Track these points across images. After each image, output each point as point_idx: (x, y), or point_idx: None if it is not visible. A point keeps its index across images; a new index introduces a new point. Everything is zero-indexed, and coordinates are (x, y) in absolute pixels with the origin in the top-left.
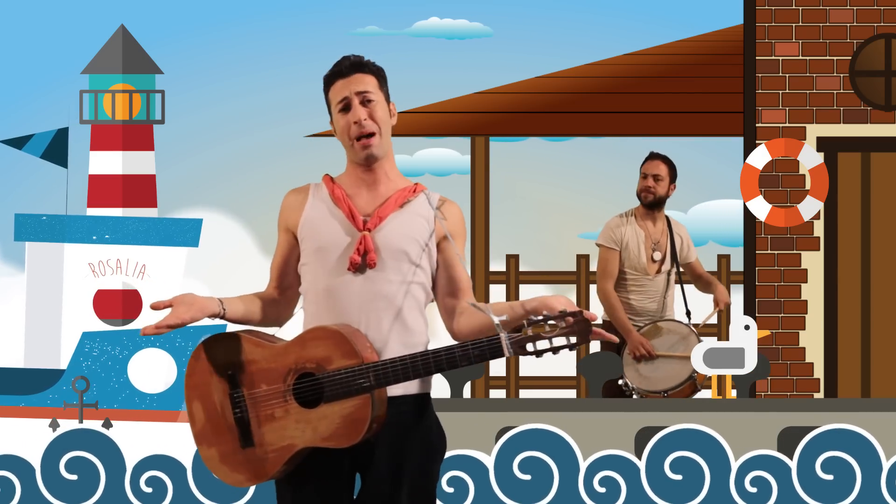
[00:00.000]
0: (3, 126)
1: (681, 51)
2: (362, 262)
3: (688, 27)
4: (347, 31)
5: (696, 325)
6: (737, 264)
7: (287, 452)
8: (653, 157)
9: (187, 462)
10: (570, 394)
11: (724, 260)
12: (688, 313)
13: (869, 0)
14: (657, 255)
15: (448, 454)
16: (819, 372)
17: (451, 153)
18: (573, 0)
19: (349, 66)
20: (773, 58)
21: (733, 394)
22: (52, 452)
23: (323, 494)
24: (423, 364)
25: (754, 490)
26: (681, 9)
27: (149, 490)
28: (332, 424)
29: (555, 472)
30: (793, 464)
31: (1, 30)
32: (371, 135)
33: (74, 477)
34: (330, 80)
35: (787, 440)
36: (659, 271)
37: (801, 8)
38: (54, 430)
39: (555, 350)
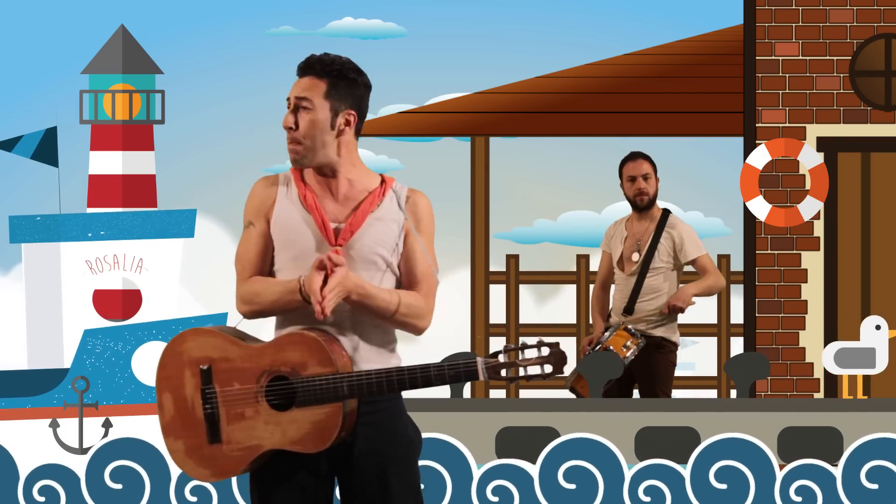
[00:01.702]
0: (4, 126)
1: (681, 51)
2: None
3: (688, 27)
4: (262, 30)
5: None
6: (737, 264)
7: (253, 452)
8: (634, 156)
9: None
10: (571, 394)
11: (723, 260)
12: (626, 310)
13: (869, 0)
14: (635, 256)
15: (492, 463)
16: (819, 372)
17: (366, 153)
18: (573, 0)
19: (303, 67)
20: (773, 58)
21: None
22: (98, 462)
23: (299, 496)
24: (398, 380)
25: (799, 499)
26: (681, 9)
27: (193, 499)
28: (301, 429)
29: (600, 482)
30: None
31: (1, 30)
32: (295, 142)
33: (119, 486)
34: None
35: (787, 440)
36: (633, 270)
37: (801, 8)
38: (54, 429)
39: (528, 378)
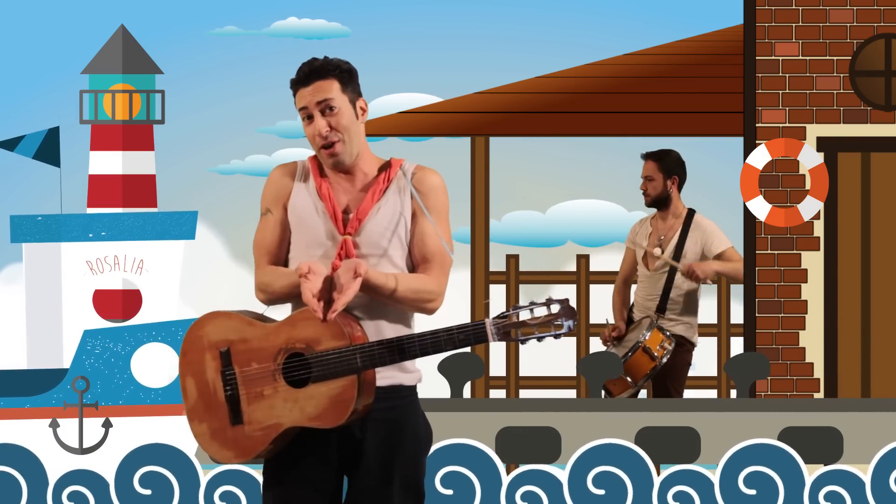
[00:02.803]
0: (4, 126)
1: (681, 51)
2: None
3: (688, 27)
4: (206, 31)
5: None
6: None
7: (274, 431)
8: (642, 157)
9: (259, 475)
10: (571, 394)
11: None
12: (660, 309)
13: (869, 0)
14: (657, 251)
15: (522, 469)
16: (819, 372)
17: (310, 153)
18: (573, 0)
19: (307, 74)
20: (773, 58)
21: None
22: (127, 467)
23: (311, 493)
24: (408, 347)
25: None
26: (681, 9)
27: None
28: (319, 405)
29: (629, 487)
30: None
31: (1, 30)
32: (334, 143)
33: (149, 492)
34: (293, 88)
35: (787, 440)
36: (656, 267)
37: (801, 8)
38: (54, 429)
39: (539, 338)
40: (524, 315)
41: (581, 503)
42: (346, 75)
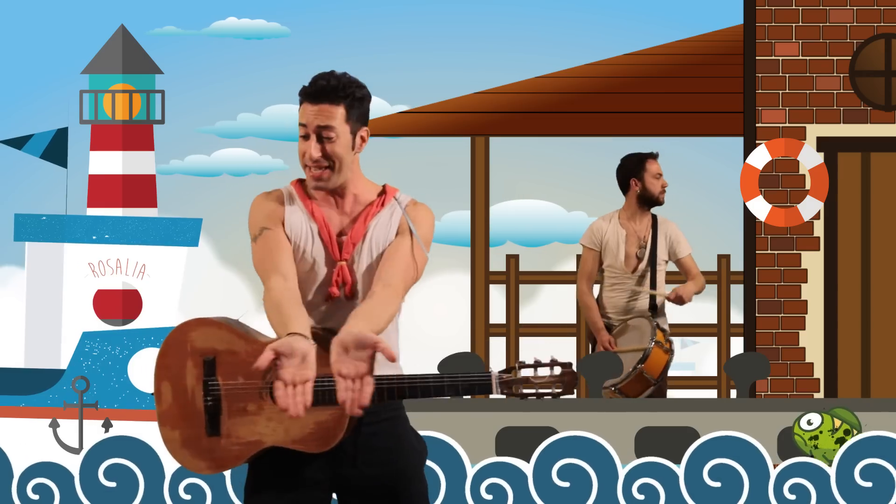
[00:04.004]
0: (4, 126)
1: (681, 51)
2: (341, 293)
3: (688, 27)
4: (145, 30)
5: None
6: (737, 264)
7: (254, 448)
8: (656, 155)
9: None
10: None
11: (724, 260)
12: (652, 307)
13: (869, 0)
14: (640, 253)
15: (486, 461)
16: (819, 372)
17: (250, 153)
18: (573, 0)
19: (318, 93)
20: (773, 58)
21: None
22: (91, 460)
23: None
24: (409, 387)
25: (793, 497)
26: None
27: (188, 497)
28: (304, 429)
29: (594, 480)
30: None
31: (1, 30)
32: (321, 171)
33: (113, 484)
34: (301, 99)
35: (788, 440)
36: (636, 269)
37: (801, 8)
38: (54, 429)
39: (539, 396)
40: (528, 372)
41: (546, 496)
42: (355, 103)
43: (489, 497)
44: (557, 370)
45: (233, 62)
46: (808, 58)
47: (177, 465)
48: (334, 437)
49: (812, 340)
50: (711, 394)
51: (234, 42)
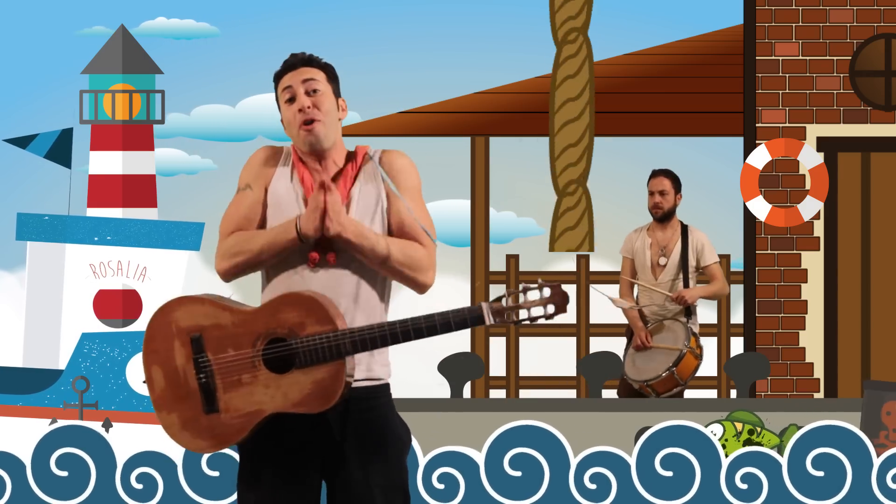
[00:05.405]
0: (4, 125)
1: (681, 51)
2: (321, 258)
3: (688, 27)
4: (73, 31)
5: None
6: (737, 264)
7: (255, 418)
8: (656, 174)
9: (178, 459)
10: (570, 394)
11: (724, 260)
12: (687, 312)
13: (869, 0)
14: (662, 261)
15: (438, 450)
16: (819, 372)
17: (179, 153)
18: None
19: (297, 61)
20: (773, 58)
21: None
22: (43, 449)
23: (287, 495)
24: (401, 330)
25: (745, 486)
26: (681, 9)
27: (139, 486)
28: (303, 390)
29: (545, 469)
30: (784, 460)
31: (1, 30)
32: (314, 121)
33: (65, 473)
34: (278, 76)
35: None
36: (663, 276)
37: (801, 8)
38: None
39: (532, 319)
40: (519, 300)
41: (498, 485)
42: (332, 71)
43: (593, 486)
44: (547, 291)
45: (162, 62)
46: (808, 58)
47: (129, 455)
48: (334, 392)
49: (812, 340)
50: (711, 394)
51: (164, 42)
